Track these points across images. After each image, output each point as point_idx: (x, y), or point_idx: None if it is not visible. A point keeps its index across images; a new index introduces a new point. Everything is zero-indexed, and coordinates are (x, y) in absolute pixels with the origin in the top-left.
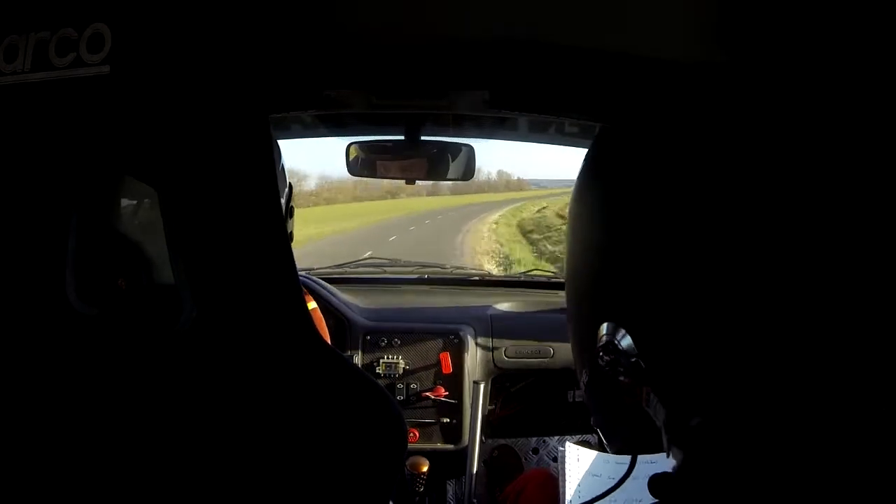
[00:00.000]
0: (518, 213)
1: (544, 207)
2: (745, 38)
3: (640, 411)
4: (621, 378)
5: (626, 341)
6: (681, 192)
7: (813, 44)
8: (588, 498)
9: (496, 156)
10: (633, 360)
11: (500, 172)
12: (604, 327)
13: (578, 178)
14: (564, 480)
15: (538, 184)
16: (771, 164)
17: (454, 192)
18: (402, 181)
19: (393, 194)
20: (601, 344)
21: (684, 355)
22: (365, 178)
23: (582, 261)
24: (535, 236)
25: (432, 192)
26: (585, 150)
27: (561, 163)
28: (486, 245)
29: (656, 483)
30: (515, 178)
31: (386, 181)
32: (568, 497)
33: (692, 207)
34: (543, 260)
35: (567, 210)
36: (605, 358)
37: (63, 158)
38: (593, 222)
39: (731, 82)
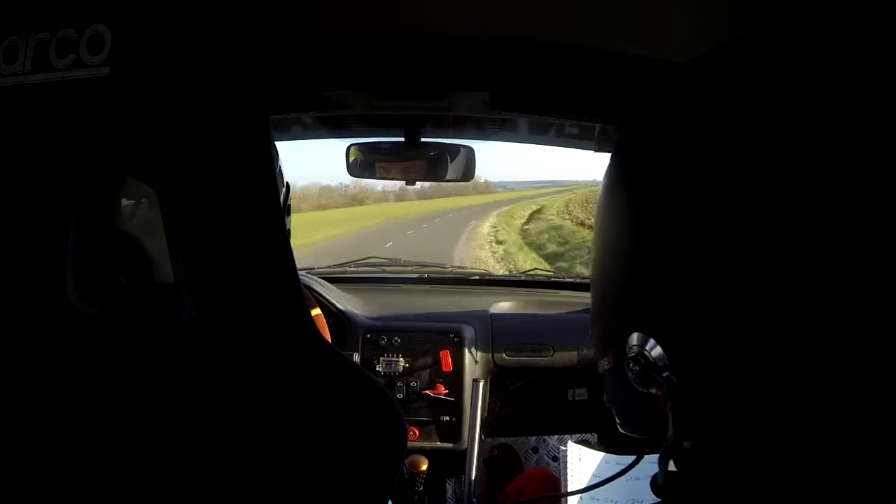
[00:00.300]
0: (510, 219)
1: (538, 210)
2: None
3: (662, 415)
4: (652, 390)
5: (656, 352)
6: (709, 192)
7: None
8: (589, 497)
9: None
10: (665, 374)
11: None
12: (633, 338)
13: (605, 177)
14: (566, 480)
15: (505, 186)
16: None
17: (421, 196)
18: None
19: (360, 201)
20: (631, 355)
21: (714, 373)
22: (330, 186)
23: (610, 265)
24: (554, 248)
25: (400, 198)
26: (582, 151)
27: (525, 164)
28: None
29: (658, 482)
30: (483, 180)
31: (353, 190)
32: (570, 497)
33: (721, 209)
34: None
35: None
36: (635, 368)
37: (63, 159)
38: (622, 225)
39: (754, 66)
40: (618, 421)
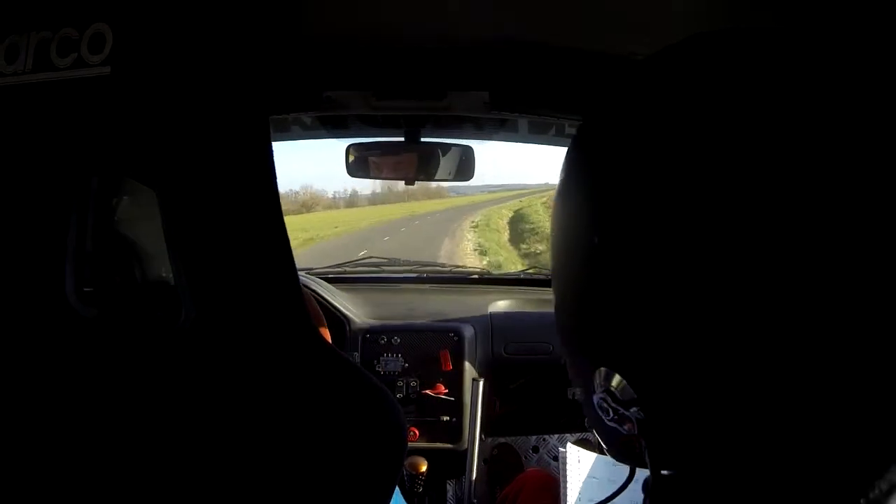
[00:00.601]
0: (492, 222)
1: (519, 210)
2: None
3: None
4: (624, 429)
5: (622, 388)
6: (669, 198)
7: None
8: (588, 499)
9: None
10: (633, 409)
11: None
12: (599, 374)
13: (562, 177)
14: (566, 482)
15: (456, 190)
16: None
17: (373, 202)
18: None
19: (308, 208)
20: (598, 395)
21: (684, 405)
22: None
23: (567, 288)
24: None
25: (350, 204)
26: (535, 155)
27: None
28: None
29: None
30: (434, 185)
31: (303, 197)
32: (569, 499)
33: (682, 218)
34: None
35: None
36: (604, 405)
37: (63, 159)
38: (577, 233)
39: (728, 57)
40: (604, 447)
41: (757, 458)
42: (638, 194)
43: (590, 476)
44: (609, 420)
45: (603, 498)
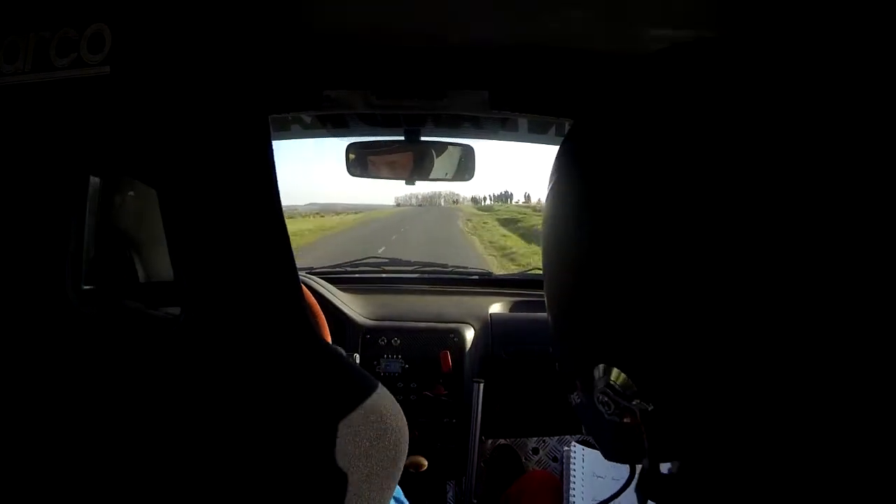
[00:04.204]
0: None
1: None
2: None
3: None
4: (626, 420)
5: (622, 380)
6: (665, 193)
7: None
8: (591, 498)
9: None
10: (635, 402)
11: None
12: (598, 370)
13: (556, 179)
14: (569, 481)
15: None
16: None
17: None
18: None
19: None
20: (599, 388)
21: (687, 393)
22: None
23: (559, 290)
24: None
25: None
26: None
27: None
28: None
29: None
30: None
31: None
32: (573, 497)
33: (677, 214)
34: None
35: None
36: (605, 400)
37: (63, 158)
38: (569, 231)
39: (722, 58)
40: (601, 451)
41: (760, 446)
42: (634, 191)
43: (594, 475)
44: (610, 414)
45: (606, 497)
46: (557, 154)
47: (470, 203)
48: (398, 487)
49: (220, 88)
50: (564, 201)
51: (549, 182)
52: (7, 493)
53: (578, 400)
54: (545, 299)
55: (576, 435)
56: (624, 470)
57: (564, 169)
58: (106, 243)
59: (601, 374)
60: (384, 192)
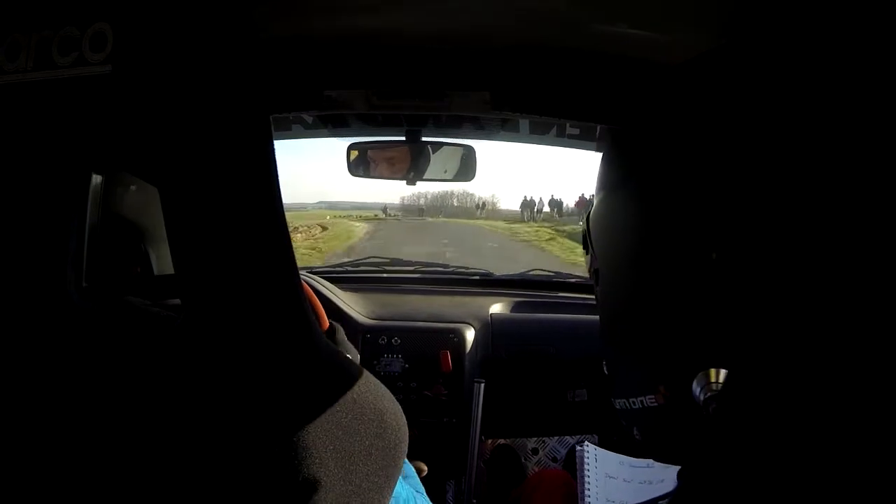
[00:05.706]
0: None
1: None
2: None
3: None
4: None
5: (722, 377)
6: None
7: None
8: (605, 499)
9: None
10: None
11: None
12: (718, 374)
13: (605, 189)
14: (584, 481)
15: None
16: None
17: None
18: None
19: None
20: (711, 394)
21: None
22: None
23: (641, 299)
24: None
25: None
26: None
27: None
28: None
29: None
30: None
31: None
32: (588, 498)
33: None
34: None
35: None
36: (713, 405)
37: (65, 157)
38: (634, 231)
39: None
40: (648, 453)
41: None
42: (754, 204)
43: (606, 475)
44: (717, 418)
45: (625, 498)
46: (614, 164)
47: (508, 211)
48: (417, 479)
49: (221, 88)
50: (658, 216)
51: (610, 191)
52: (7, 488)
53: (654, 403)
54: (605, 310)
55: (575, 436)
56: (638, 472)
57: (635, 182)
58: (107, 241)
59: (719, 379)
60: (386, 192)
